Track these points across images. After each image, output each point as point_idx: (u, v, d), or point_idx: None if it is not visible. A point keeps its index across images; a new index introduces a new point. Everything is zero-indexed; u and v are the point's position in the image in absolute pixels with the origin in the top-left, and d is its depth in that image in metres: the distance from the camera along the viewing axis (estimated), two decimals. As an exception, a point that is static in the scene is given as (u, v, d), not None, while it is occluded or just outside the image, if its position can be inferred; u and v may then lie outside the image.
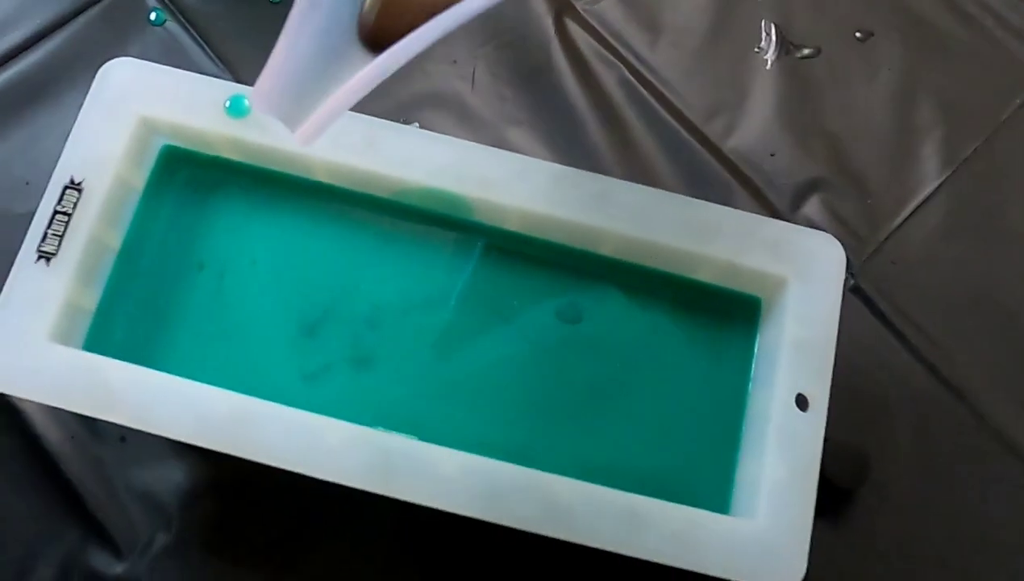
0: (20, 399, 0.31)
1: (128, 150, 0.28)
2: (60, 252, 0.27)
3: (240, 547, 0.31)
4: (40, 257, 0.27)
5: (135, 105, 0.28)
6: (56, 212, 0.27)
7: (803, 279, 0.28)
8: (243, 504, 0.31)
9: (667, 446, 0.29)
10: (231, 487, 0.31)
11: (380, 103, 0.37)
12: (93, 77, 0.35)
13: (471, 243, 0.30)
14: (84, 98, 0.35)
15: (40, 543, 0.30)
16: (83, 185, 0.27)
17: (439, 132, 0.36)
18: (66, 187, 0.27)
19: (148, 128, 0.29)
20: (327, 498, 0.30)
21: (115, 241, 0.29)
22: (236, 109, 0.28)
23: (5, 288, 0.26)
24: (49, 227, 0.27)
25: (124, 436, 0.32)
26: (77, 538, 0.31)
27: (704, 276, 0.29)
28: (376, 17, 0.22)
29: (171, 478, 0.31)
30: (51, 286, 0.26)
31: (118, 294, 0.29)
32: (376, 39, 0.22)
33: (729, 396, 0.29)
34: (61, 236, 0.27)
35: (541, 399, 0.29)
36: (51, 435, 0.31)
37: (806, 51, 0.38)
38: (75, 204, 0.27)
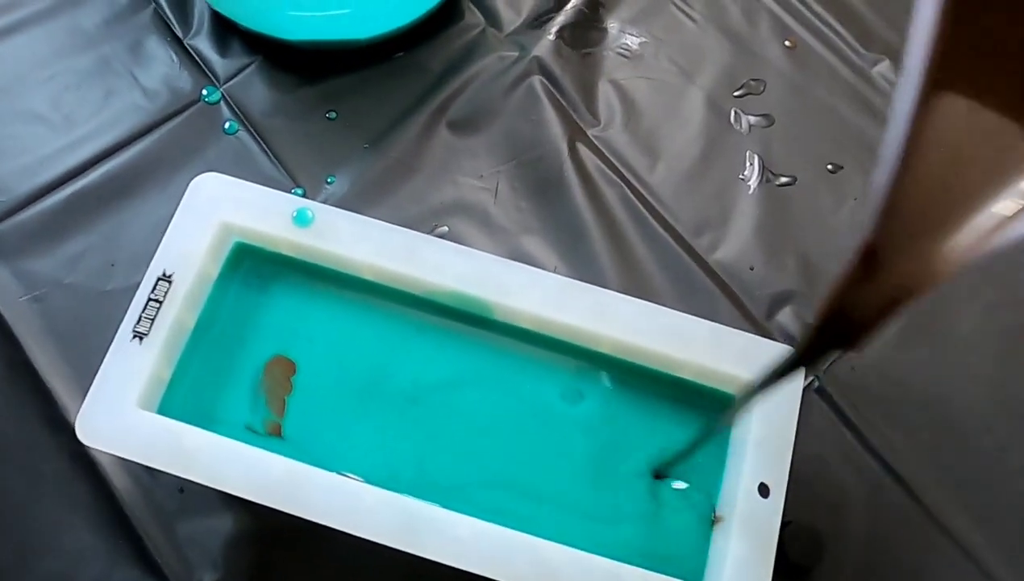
0: (96, 451, 0.37)
1: (210, 248, 0.34)
2: (151, 333, 0.32)
3: (276, 591, 0.35)
4: (135, 336, 0.32)
5: (218, 212, 0.34)
6: (150, 299, 0.33)
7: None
8: (281, 552, 0.36)
9: (651, 518, 0.34)
10: (271, 536, 0.36)
11: (414, 208, 0.43)
12: (174, 177, 0.42)
13: (491, 337, 0.35)
14: (166, 195, 0.41)
15: (105, 577, 0.35)
16: (173, 277, 0.33)
17: (464, 236, 0.42)
18: (159, 279, 0.33)
19: (227, 230, 0.35)
20: (354, 549, 0.35)
21: (191, 321, 0.34)
22: (301, 220, 0.34)
23: (104, 362, 0.32)
24: (143, 311, 0.32)
25: (182, 488, 0.37)
26: (137, 575, 0.35)
27: (686, 374, 0.35)
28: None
29: (220, 527, 0.36)
30: (142, 361, 0.32)
31: (188, 366, 0.34)
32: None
33: (707, 478, 0.34)
34: (152, 319, 0.32)
35: (543, 470, 0.34)
36: (120, 483, 0.36)
37: (784, 179, 0.44)
38: (165, 293, 0.33)
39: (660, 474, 0.34)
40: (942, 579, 0.37)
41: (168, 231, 0.34)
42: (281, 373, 0.35)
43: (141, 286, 0.33)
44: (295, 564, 0.36)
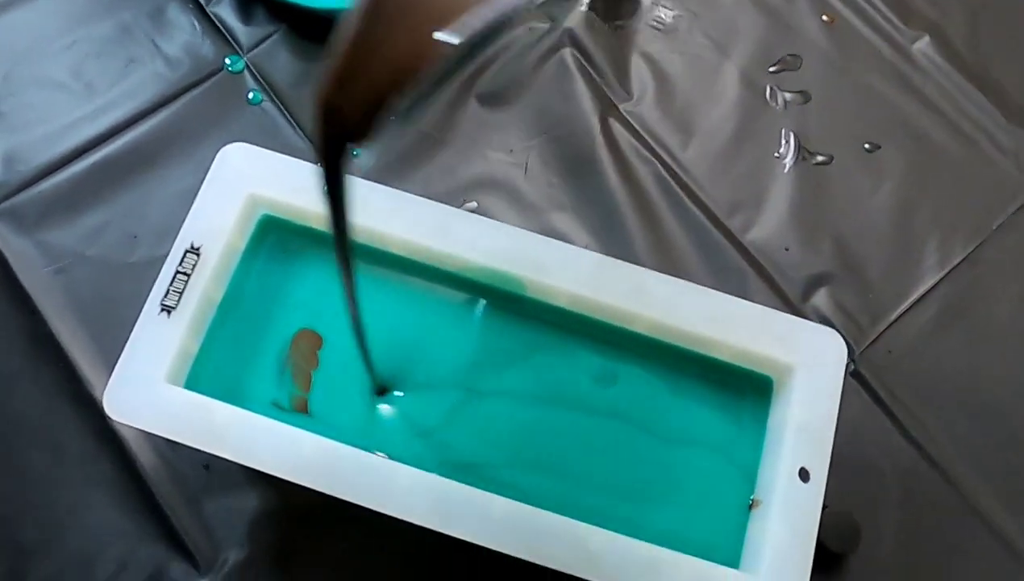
0: (122, 428, 0.36)
1: (238, 220, 0.33)
2: (179, 306, 0.32)
3: (304, 568, 0.35)
4: (163, 310, 0.31)
5: (246, 183, 0.34)
6: (178, 271, 0.32)
7: (808, 368, 0.32)
8: (307, 529, 0.35)
9: (688, 503, 0.33)
10: (297, 515, 0.36)
11: (443, 183, 0.42)
12: (198, 148, 0.41)
13: (524, 315, 0.35)
14: (189, 166, 0.40)
15: (131, 555, 0.35)
16: (201, 249, 0.32)
17: (494, 211, 0.41)
18: (187, 251, 0.32)
19: (255, 202, 0.34)
20: (382, 528, 0.34)
21: (218, 295, 0.33)
22: (332, 193, 0.33)
23: (132, 336, 0.31)
24: (171, 284, 0.32)
25: (207, 464, 0.36)
26: (162, 553, 0.35)
27: (724, 356, 0.34)
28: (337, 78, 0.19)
29: (246, 504, 0.36)
30: (170, 335, 0.31)
31: (215, 340, 0.33)
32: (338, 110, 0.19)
33: (745, 461, 0.33)
34: (181, 292, 0.32)
35: (577, 453, 0.33)
36: (145, 460, 0.36)
37: (820, 158, 0.43)
38: (193, 266, 0.32)
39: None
40: (976, 566, 0.37)
41: (195, 202, 0.33)
42: (308, 347, 0.34)
43: (169, 258, 0.32)
44: (322, 542, 0.35)
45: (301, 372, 0.34)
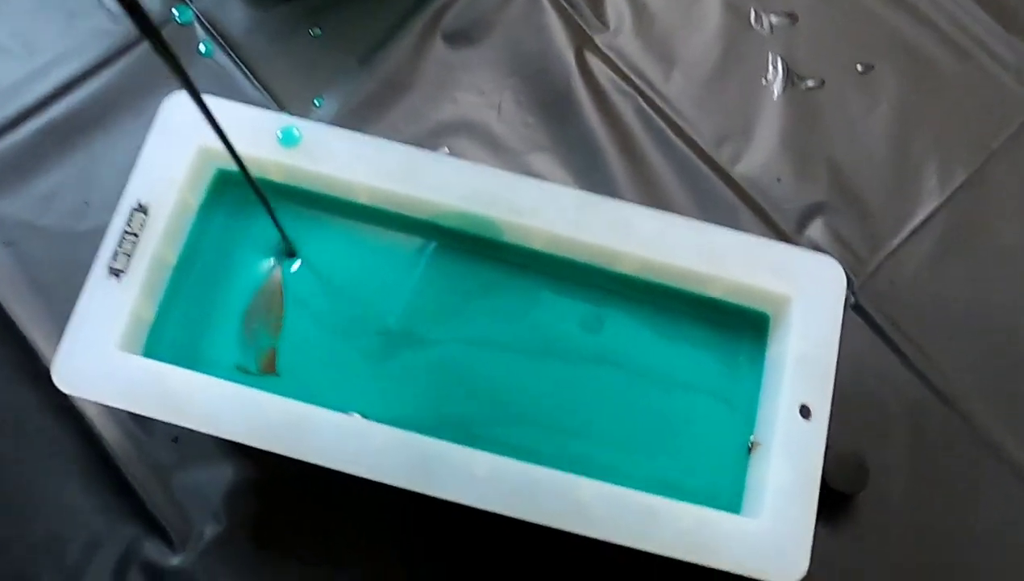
0: (83, 404, 0.34)
1: (188, 176, 0.31)
2: (129, 269, 0.29)
3: (284, 539, 0.33)
4: (111, 273, 0.29)
5: (194, 135, 0.31)
6: (125, 232, 0.30)
7: (806, 299, 0.30)
8: (285, 499, 0.34)
9: (684, 448, 0.31)
10: (274, 484, 0.34)
11: (411, 129, 0.39)
12: (147, 106, 0.38)
13: (503, 260, 0.33)
14: (139, 125, 0.38)
15: (102, 536, 0.33)
16: (148, 208, 0.30)
17: (468, 157, 0.39)
18: (134, 210, 0.30)
19: (206, 155, 0.32)
20: (362, 493, 0.32)
21: (173, 256, 0.31)
22: (288, 139, 0.31)
23: (79, 302, 0.29)
24: (119, 246, 0.29)
25: (176, 437, 0.34)
26: (134, 532, 0.33)
27: (716, 292, 0.32)
28: None
29: (219, 476, 0.34)
30: (121, 300, 0.29)
31: (173, 304, 0.31)
32: None
33: (742, 403, 0.32)
34: (130, 254, 0.29)
35: (566, 403, 0.31)
36: (110, 437, 0.34)
37: (811, 83, 0.41)
38: (142, 225, 0.30)
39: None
40: (989, 497, 0.35)
41: (140, 158, 0.31)
42: (272, 292, 0.32)
43: (115, 219, 0.30)
44: (302, 510, 0.33)
45: (270, 320, 0.32)
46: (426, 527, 0.33)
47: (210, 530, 0.33)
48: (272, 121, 0.31)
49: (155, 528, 0.33)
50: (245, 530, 0.33)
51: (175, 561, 0.33)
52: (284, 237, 0.31)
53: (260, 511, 0.33)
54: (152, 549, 0.33)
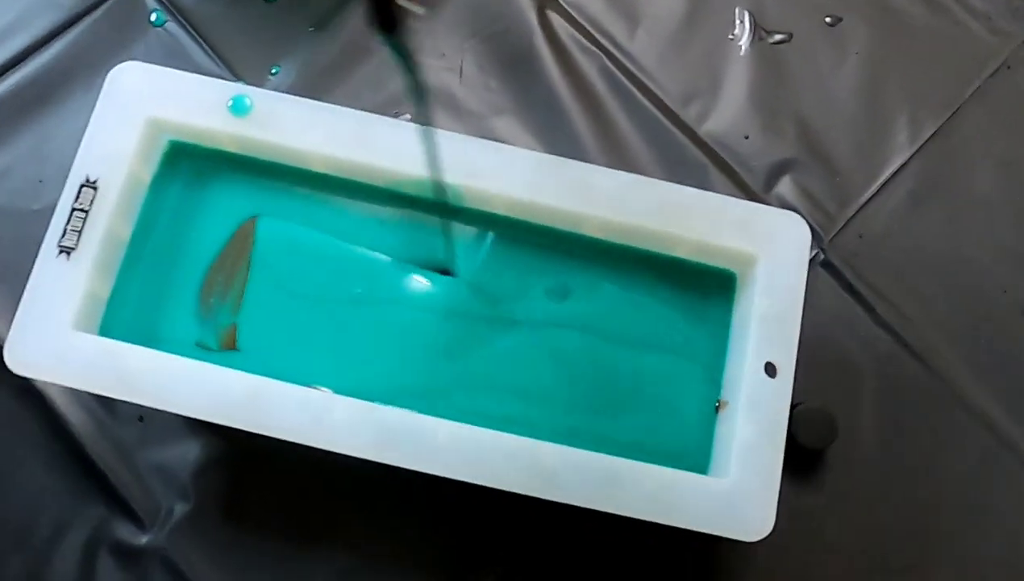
0: (44, 385, 0.34)
1: (138, 148, 0.30)
2: (79, 246, 0.29)
3: (252, 515, 0.33)
4: (61, 251, 0.29)
5: (144, 106, 0.30)
6: (74, 209, 0.29)
7: (770, 256, 0.30)
8: (254, 475, 0.33)
9: (652, 410, 0.31)
10: (242, 460, 0.34)
11: (371, 96, 0.38)
12: (98, 79, 0.37)
13: (464, 227, 0.32)
14: (91, 99, 0.37)
15: (69, 517, 0.33)
16: (98, 183, 0.29)
17: (429, 123, 0.38)
18: (82, 186, 0.29)
19: (156, 127, 0.31)
20: (332, 466, 0.32)
21: (126, 232, 0.31)
22: (238, 108, 0.30)
23: (30, 282, 0.28)
24: (68, 223, 0.29)
25: (142, 416, 0.34)
26: (103, 512, 0.33)
27: (681, 253, 0.31)
28: None
29: (187, 454, 0.34)
30: (73, 278, 0.28)
31: (128, 281, 0.30)
32: None
33: (711, 362, 0.31)
34: (80, 231, 0.29)
35: (532, 368, 0.31)
36: (74, 417, 0.34)
37: (778, 37, 0.40)
38: (91, 201, 0.29)
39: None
40: (961, 450, 0.35)
41: (87, 131, 0.30)
42: (231, 265, 0.31)
43: (63, 195, 0.29)
44: (272, 485, 0.33)
45: (229, 290, 0.31)
46: (397, 496, 0.33)
47: (179, 508, 0.33)
48: (222, 90, 0.31)
49: (123, 507, 0.33)
50: (215, 507, 0.33)
51: (144, 540, 0.33)
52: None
53: (229, 487, 0.33)
54: (121, 529, 0.33)
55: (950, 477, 0.35)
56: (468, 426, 0.28)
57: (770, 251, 0.30)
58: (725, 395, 0.30)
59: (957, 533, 0.34)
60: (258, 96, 0.30)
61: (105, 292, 0.30)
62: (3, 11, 0.39)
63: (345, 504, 0.33)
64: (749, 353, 0.29)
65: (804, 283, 0.29)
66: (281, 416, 0.28)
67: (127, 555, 0.32)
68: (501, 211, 0.31)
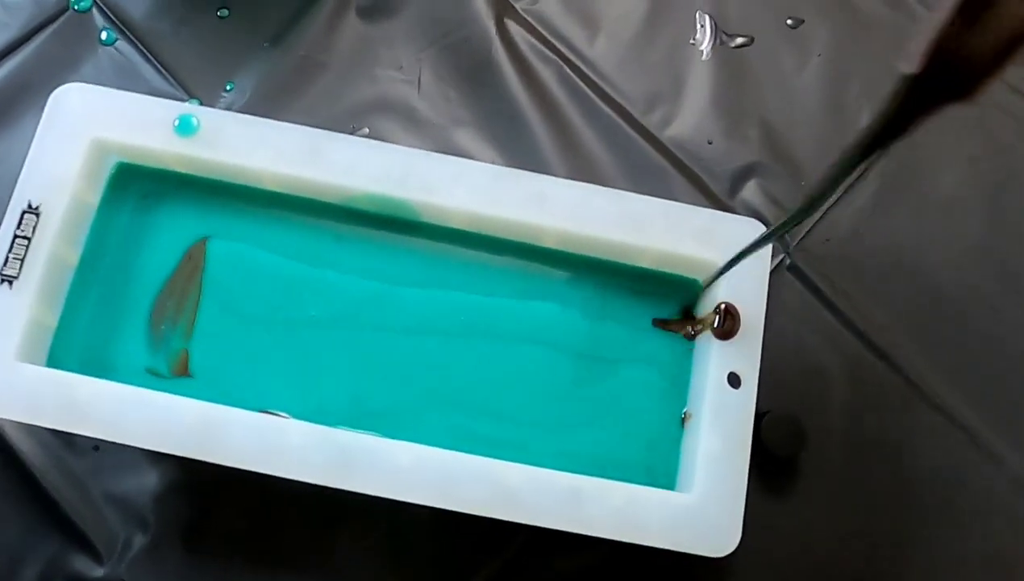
0: (-5, 417, 0.33)
1: (83, 171, 0.29)
2: (22, 274, 0.28)
3: (213, 544, 0.32)
4: (3, 281, 0.28)
5: (87, 128, 0.30)
6: (16, 236, 0.28)
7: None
8: (214, 503, 0.33)
9: (619, 424, 0.31)
10: (202, 488, 0.33)
11: (329, 111, 0.38)
12: (46, 100, 0.36)
13: (421, 242, 0.31)
14: (39, 120, 0.36)
15: (22, 550, 0.32)
16: (40, 208, 0.29)
17: (388, 137, 0.37)
18: (24, 212, 0.28)
19: (101, 149, 0.30)
20: (295, 491, 0.32)
21: (73, 257, 0.30)
22: (185, 128, 0.30)
23: (-29, 312, 0.27)
24: (10, 251, 0.28)
25: (97, 446, 0.33)
26: (58, 545, 0.32)
27: (643, 262, 0.31)
28: None
29: (145, 483, 0.33)
30: (15, 307, 0.28)
31: (77, 309, 0.30)
32: None
33: (676, 374, 0.31)
34: (22, 259, 0.28)
35: (495, 385, 0.31)
36: (26, 448, 0.33)
37: (740, 40, 0.40)
38: (34, 227, 0.28)
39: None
40: (932, 451, 0.35)
41: (29, 156, 0.29)
42: (182, 290, 0.31)
43: (3, 223, 0.28)
44: (233, 514, 0.32)
45: (180, 315, 0.30)
46: (365, 517, 0.33)
47: (138, 539, 0.32)
48: (168, 109, 0.30)
49: (79, 540, 0.32)
50: (174, 537, 0.32)
51: (101, 572, 0.32)
52: None
53: (189, 517, 0.32)
54: (77, 562, 0.32)
55: (922, 478, 0.34)
56: (428, 447, 0.27)
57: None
58: (691, 406, 0.30)
59: (932, 535, 0.34)
60: (205, 115, 0.30)
61: (52, 320, 0.29)
62: (-53, 32, 0.38)
63: (310, 530, 0.32)
64: (712, 363, 0.29)
65: (766, 291, 0.29)
66: (235, 444, 0.27)
67: (84, 589, 0.32)
68: (459, 225, 0.31)
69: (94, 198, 0.30)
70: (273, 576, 0.32)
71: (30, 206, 0.29)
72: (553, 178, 0.30)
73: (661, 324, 0.31)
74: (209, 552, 0.32)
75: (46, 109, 0.29)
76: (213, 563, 0.32)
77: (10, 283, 0.28)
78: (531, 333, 0.31)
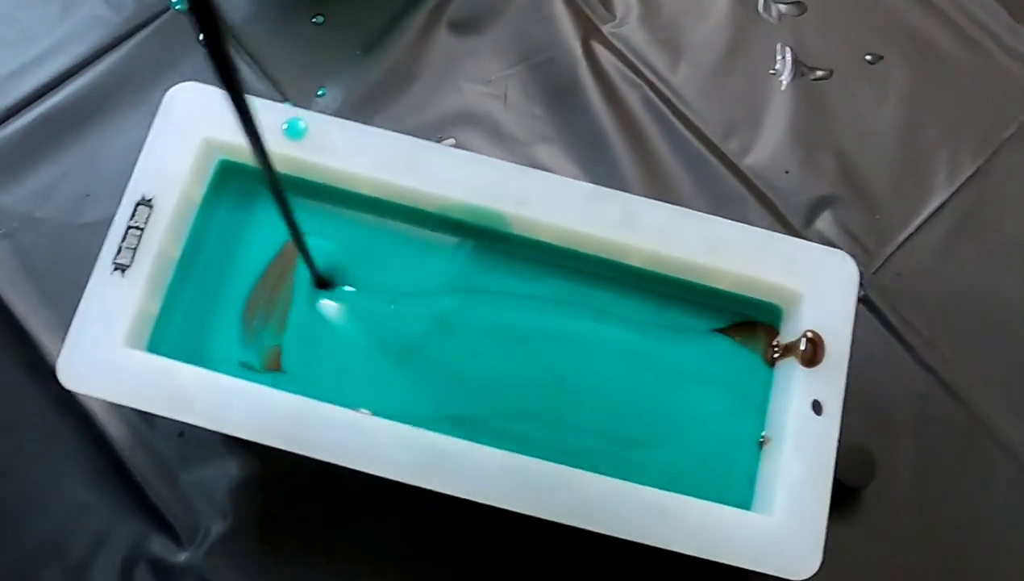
0: (85, 398, 0.34)
1: (192, 168, 0.30)
2: (134, 264, 0.29)
3: (289, 535, 0.33)
4: (116, 269, 0.29)
5: (199, 127, 0.31)
6: (130, 227, 0.29)
7: (817, 294, 0.30)
8: (291, 495, 0.33)
9: (694, 443, 0.31)
10: (281, 480, 0.34)
11: (415, 120, 0.39)
12: (147, 96, 0.38)
13: (509, 253, 0.32)
14: (139, 116, 0.37)
15: (107, 533, 0.33)
16: (153, 201, 0.30)
17: (473, 147, 0.38)
18: (138, 204, 0.30)
19: (210, 147, 0.31)
20: (370, 490, 0.32)
21: (176, 250, 0.31)
22: (293, 132, 0.31)
23: (84, 298, 0.28)
24: (123, 241, 0.29)
25: (182, 432, 0.34)
26: (141, 528, 0.33)
27: (726, 286, 0.31)
28: None
29: (225, 471, 0.34)
30: (126, 295, 0.29)
31: (176, 300, 0.31)
32: None
33: (754, 397, 0.31)
34: (134, 249, 0.29)
35: (576, 397, 0.31)
36: (114, 431, 0.34)
37: (819, 73, 0.40)
38: (147, 219, 0.29)
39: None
40: (996, 490, 0.35)
41: (144, 150, 0.30)
42: (274, 287, 0.32)
43: (118, 213, 0.29)
44: (310, 507, 0.33)
45: (273, 311, 0.31)
46: (433, 524, 0.33)
47: (217, 527, 0.33)
48: (278, 113, 0.31)
49: (162, 524, 0.33)
50: (252, 527, 0.33)
51: (182, 558, 0.33)
52: (312, 268, 0.30)
53: (266, 508, 0.33)
54: (159, 546, 0.33)
55: (987, 516, 0.35)
56: (514, 454, 0.28)
57: (817, 289, 0.30)
58: (769, 430, 0.30)
59: (995, 573, 0.34)
60: (313, 120, 0.31)
61: (155, 310, 0.30)
62: (52, 28, 0.39)
63: (382, 528, 0.33)
64: (795, 390, 0.29)
65: (852, 322, 0.29)
66: (326, 438, 0.28)
67: (164, 572, 0.32)
68: (548, 239, 0.31)
69: (199, 194, 0.31)
70: (345, 574, 0.33)
71: (144, 199, 0.30)
72: (642, 198, 0.31)
73: (728, 330, 0.32)
74: (285, 544, 0.33)
75: (161, 106, 0.31)
76: (288, 556, 0.33)
77: (122, 271, 0.29)
78: (613, 349, 0.32)
